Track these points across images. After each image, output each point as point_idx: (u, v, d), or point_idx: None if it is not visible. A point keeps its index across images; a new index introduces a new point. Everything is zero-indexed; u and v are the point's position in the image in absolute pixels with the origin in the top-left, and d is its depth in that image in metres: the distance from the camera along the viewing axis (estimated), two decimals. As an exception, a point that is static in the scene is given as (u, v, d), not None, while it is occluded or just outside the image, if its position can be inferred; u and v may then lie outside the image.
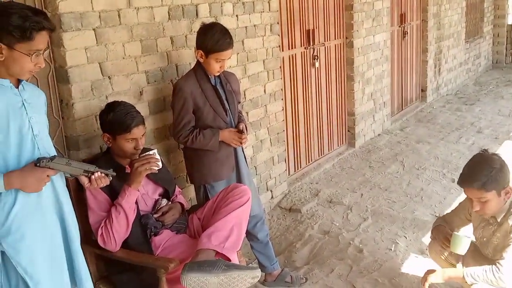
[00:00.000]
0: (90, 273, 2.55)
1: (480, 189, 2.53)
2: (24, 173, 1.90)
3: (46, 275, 2.02)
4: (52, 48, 2.64)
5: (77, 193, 2.53)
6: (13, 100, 1.95)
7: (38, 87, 2.51)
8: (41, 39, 1.89)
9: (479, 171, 2.56)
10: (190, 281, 2.21)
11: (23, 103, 1.98)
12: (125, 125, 2.46)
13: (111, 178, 2.23)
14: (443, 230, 2.89)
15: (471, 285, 2.56)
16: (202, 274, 2.21)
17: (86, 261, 2.53)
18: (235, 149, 3.06)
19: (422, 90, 7.96)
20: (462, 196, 3.05)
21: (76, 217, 2.26)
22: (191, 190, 3.24)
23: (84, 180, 2.17)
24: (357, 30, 5.64)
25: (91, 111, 2.75)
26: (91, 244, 2.54)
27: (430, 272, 2.70)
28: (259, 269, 2.36)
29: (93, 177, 2.15)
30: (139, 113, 2.56)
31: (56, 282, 2.07)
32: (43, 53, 1.94)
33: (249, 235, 3.26)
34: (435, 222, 3.09)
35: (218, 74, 2.93)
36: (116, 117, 2.48)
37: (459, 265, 2.85)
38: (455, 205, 3.95)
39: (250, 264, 3.34)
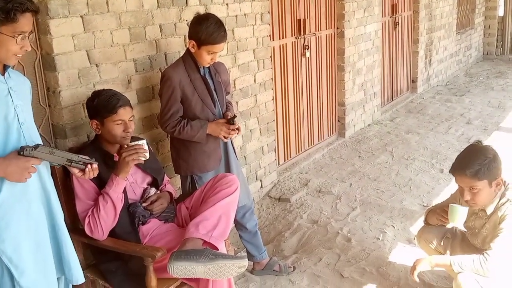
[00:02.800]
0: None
1: (472, 177, 2.55)
2: (7, 161, 1.88)
3: (31, 264, 2.01)
4: (39, 35, 2.61)
5: (64, 181, 2.51)
6: None
7: (24, 74, 2.49)
8: (26, 21, 1.87)
9: (473, 159, 2.58)
10: (176, 270, 2.22)
11: (9, 91, 1.96)
12: (111, 106, 2.45)
13: (96, 166, 2.21)
14: (438, 207, 2.91)
15: (458, 273, 2.58)
16: (189, 263, 2.21)
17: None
18: (223, 140, 3.05)
19: (412, 81, 7.98)
20: (451, 187, 3.08)
21: (63, 205, 2.24)
22: (179, 179, 3.23)
23: (74, 170, 2.15)
24: (348, 20, 5.63)
25: (78, 99, 2.73)
26: (78, 233, 2.53)
27: (418, 261, 2.72)
28: (246, 259, 2.36)
29: (87, 169, 2.13)
30: (125, 96, 2.56)
31: (41, 271, 2.06)
32: (28, 36, 1.91)
33: (238, 224, 3.26)
34: (426, 212, 3.10)
35: (208, 65, 2.91)
36: (101, 101, 2.47)
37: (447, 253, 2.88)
38: (443, 195, 4.00)
39: (238, 253, 3.35)
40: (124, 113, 2.49)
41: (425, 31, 7.92)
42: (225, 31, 2.80)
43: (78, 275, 2.24)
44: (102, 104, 2.47)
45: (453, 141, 5.73)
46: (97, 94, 2.52)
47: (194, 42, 2.80)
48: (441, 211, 2.83)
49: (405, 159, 5.27)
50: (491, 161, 2.55)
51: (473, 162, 2.55)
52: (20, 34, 1.86)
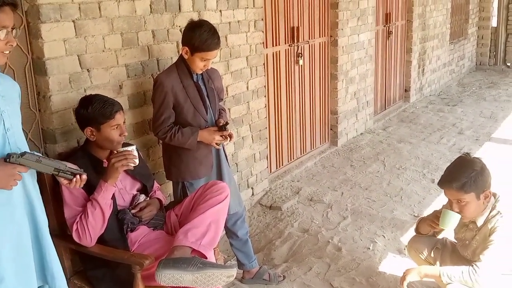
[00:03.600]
0: (65, 269, 2.53)
1: (459, 191, 2.57)
2: None
3: (11, 272, 1.96)
4: (30, 39, 2.59)
5: (53, 187, 2.48)
6: None
7: (14, 78, 2.47)
8: (5, 15, 1.84)
9: (459, 172, 2.59)
10: (164, 278, 2.20)
11: None
12: (108, 112, 2.44)
13: (85, 176, 2.18)
14: (430, 215, 2.91)
15: (447, 284, 2.57)
16: (177, 271, 2.19)
17: (61, 256, 2.51)
18: (215, 147, 3.04)
19: (405, 90, 8.00)
20: (441, 197, 3.08)
21: (47, 211, 2.21)
22: (169, 186, 3.21)
23: (61, 180, 2.12)
24: (342, 29, 5.65)
25: (69, 104, 2.71)
26: (66, 239, 2.51)
27: (408, 271, 2.71)
28: (235, 268, 2.34)
29: (74, 179, 2.11)
30: (116, 100, 2.55)
31: (22, 279, 2.01)
32: (12, 31, 1.88)
33: (229, 232, 3.25)
34: (417, 221, 3.10)
35: (201, 72, 2.90)
36: (96, 108, 2.45)
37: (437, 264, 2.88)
38: (434, 205, 4.01)
39: (228, 262, 3.33)
40: (120, 118, 2.50)
41: (418, 40, 7.96)
42: (218, 38, 2.79)
43: (61, 284, 2.20)
44: (98, 110, 2.44)
45: (445, 151, 5.75)
46: (88, 102, 2.48)
47: (187, 49, 2.79)
48: (433, 217, 2.84)
49: (396, 168, 5.27)
50: (478, 174, 2.56)
51: (460, 175, 2.57)
52: (2, 29, 1.83)
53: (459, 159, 2.73)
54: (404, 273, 2.71)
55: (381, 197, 4.58)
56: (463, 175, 2.56)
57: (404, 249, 3.49)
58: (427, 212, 3.76)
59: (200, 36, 2.74)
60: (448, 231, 2.86)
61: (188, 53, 2.80)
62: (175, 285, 2.25)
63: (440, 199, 4.08)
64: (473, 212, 2.63)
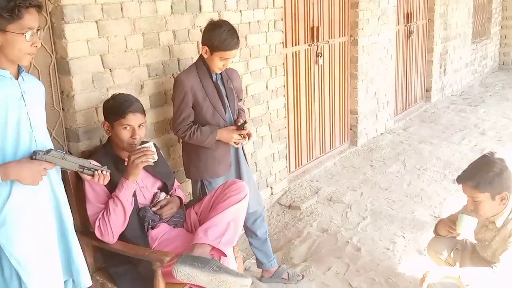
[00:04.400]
0: (87, 265, 2.58)
1: (474, 189, 2.58)
2: (21, 165, 1.91)
3: (39, 267, 2.02)
4: (54, 39, 2.64)
5: (76, 184, 2.54)
6: (12, 91, 1.95)
7: (39, 78, 2.53)
8: (31, 17, 1.89)
9: (477, 171, 2.60)
10: (180, 273, 2.24)
11: (22, 95, 1.98)
12: (121, 110, 2.47)
13: (108, 174, 2.23)
14: (444, 223, 2.90)
15: (466, 286, 2.55)
16: (193, 270, 2.23)
17: (83, 252, 2.55)
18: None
19: (426, 90, 7.93)
20: (463, 198, 3.05)
21: (71, 208, 2.26)
22: (189, 184, 3.24)
23: (86, 176, 2.17)
24: (362, 28, 5.63)
25: (92, 103, 2.76)
26: (88, 236, 2.55)
27: (428, 272, 2.70)
28: (250, 278, 2.33)
29: (96, 173, 2.15)
30: (139, 102, 2.57)
31: (49, 274, 2.07)
32: (37, 33, 1.93)
33: (248, 231, 3.27)
34: (437, 222, 3.08)
35: (220, 71, 2.93)
36: (114, 103, 2.51)
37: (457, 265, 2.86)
38: (455, 206, 3.96)
39: (244, 272, 3.31)
40: (133, 119, 2.50)
41: (440, 40, 7.87)
42: (237, 38, 2.82)
43: (86, 279, 2.26)
44: (114, 107, 2.51)
45: (467, 151, 5.68)
46: (113, 97, 2.57)
47: (207, 48, 2.82)
48: (450, 221, 2.83)
49: (417, 169, 5.23)
50: (495, 175, 2.55)
51: (477, 173, 2.58)
52: (28, 31, 1.88)
53: (482, 157, 2.72)
54: (424, 274, 2.70)
55: (401, 198, 4.54)
56: (480, 174, 2.56)
57: (424, 250, 3.46)
58: (448, 213, 3.72)
59: (219, 35, 2.77)
60: (465, 235, 2.83)
61: (208, 53, 2.83)
62: (190, 283, 2.29)
63: (461, 200, 4.03)
64: (488, 211, 2.62)
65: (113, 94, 2.61)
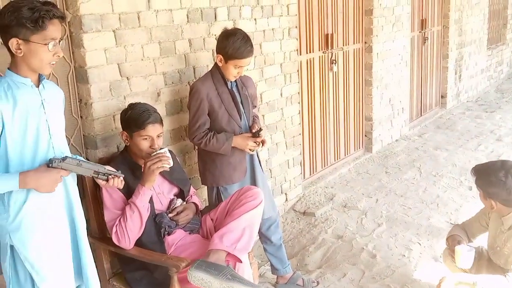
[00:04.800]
0: (104, 271, 2.62)
1: (475, 182, 2.75)
2: (39, 174, 1.94)
3: (52, 271, 2.06)
4: (72, 48, 2.69)
5: (93, 191, 2.58)
6: (33, 99, 1.99)
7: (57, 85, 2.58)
8: (54, 28, 1.93)
9: (484, 168, 2.72)
10: (194, 278, 2.27)
11: (42, 103, 2.02)
12: (140, 122, 2.50)
13: (122, 178, 2.26)
14: (454, 239, 2.89)
15: (481, 293, 2.55)
16: (207, 276, 2.25)
17: (100, 258, 2.60)
18: (249, 152, 3.08)
19: (442, 96, 7.89)
20: (479, 205, 3.04)
21: (88, 215, 2.29)
22: (205, 191, 3.27)
23: (100, 181, 2.21)
24: (377, 35, 5.63)
25: (109, 111, 2.80)
26: (105, 242, 2.59)
27: (443, 279, 2.70)
28: None
29: (111, 178, 2.19)
30: (157, 112, 2.60)
31: (62, 279, 2.11)
32: (59, 43, 1.97)
33: (263, 237, 3.28)
34: (451, 229, 3.07)
35: (235, 79, 2.97)
36: (133, 114, 2.53)
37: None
38: (471, 213, 3.93)
39: (258, 282, 3.31)
40: (152, 130, 2.53)
41: (455, 46, 7.84)
42: (251, 46, 2.85)
43: (95, 285, 2.28)
44: (133, 117, 2.53)
45: (483, 158, 5.63)
46: (131, 107, 2.59)
47: (221, 57, 2.85)
48: (452, 251, 2.84)
49: (433, 175, 5.21)
50: (493, 181, 2.63)
51: (482, 171, 2.71)
52: (51, 41, 1.93)
53: (501, 161, 2.79)
54: (440, 280, 2.69)
55: (417, 204, 4.52)
56: (484, 172, 2.69)
57: (440, 256, 3.45)
58: (464, 219, 3.69)
59: (233, 44, 2.80)
60: (464, 268, 2.83)
61: (222, 61, 2.86)
62: None
63: (477, 207, 4.00)
64: (485, 205, 2.78)
65: (130, 104, 2.63)
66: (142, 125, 2.50)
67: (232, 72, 2.88)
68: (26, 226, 1.99)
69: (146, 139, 2.53)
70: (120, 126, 2.66)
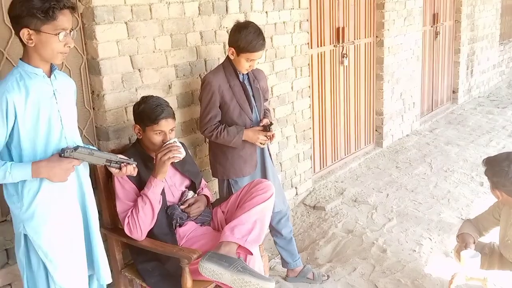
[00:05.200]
0: (116, 261, 2.63)
1: (484, 172, 2.79)
2: (51, 164, 1.96)
3: (65, 260, 2.08)
4: (85, 40, 2.70)
5: (106, 182, 2.59)
6: (44, 89, 2.00)
7: (70, 77, 2.59)
8: (65, 18, 1.93)
9: (492, 159, 2.76)
10: (205, 270, 2.28)
11: (54, 93, 2.03)
12: (154, 116, 2.49)
13: (135, 166, 2.26)
14: (463, 240, 2.87)
15: (493, 288, 2.54)
16: (218, 268, 2.26)
17: (112, 249, 2.62)
18: (260, 146, 3.08)
19: (453, 91, 7.84)
20: (490, 200, 3.02)
21: (100, 206, 2.30)
22: (215, 183, 3.28)
23: (113, 170, 2.21)
24: (388, 29, 5.59)
25: (121, 102, 2.81)
26: (117, 233, 2.61)
27: (455, 275, 2.69)
28: (273, 282, 2.34)
29: (123, 166, 2.19)
30: (170, 107, 2.59)
31: (75, 267, 2.13)
32: (70, 33, 1.98)
33: (273, 230, 3.28)
34: (462, 225, 3.05)
35: (247, 72, 2.96)
36: (146, 108, 2.52)
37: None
38: (482, 208, 3.91)
39: (268, 275, 3.30)
40: (165, 125, 2.52)
41: (467, 41, 7.77)
42: (263, 39, 2.84)
43: (106, 275, 2.29)
44: (146, 112, 2.51)
45: (494, 154, 5.56)
46: (144, 101, 2.57)
47: (233, 50, 2.85)
48: (459, 253, 2.82)
49: (444, 171, 5.17)
50: (499, 172, 2.66)
51: (492, 161, 2.74)
52: (62, 31, 1.93)
53: (507, 152, 2.82)
54: (452, 276, 2.68)
55: (427, 200, 4.50)
56: (493, 163, 2.72)
57: (451, 252, 3.43)
58: (474, 215, 3.67)
59: (245, 37, 2.79)
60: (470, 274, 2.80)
61: (234, 54, 2.86)
62: (215, 280, 2.32)
63: (489, 202, 3.98)
64: (496, 196, 2.79)
65: (143, 97, 2.61)
66: (156, 120, 2.49)
67: (244, 65, 2.88)
68: (40, 215, 2.00)
69: (159, 133, 2.53)
70: (132, 118, 2.65)
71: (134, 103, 2.65)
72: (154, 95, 2.64)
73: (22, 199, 2.00)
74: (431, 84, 7.15)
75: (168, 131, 2.55)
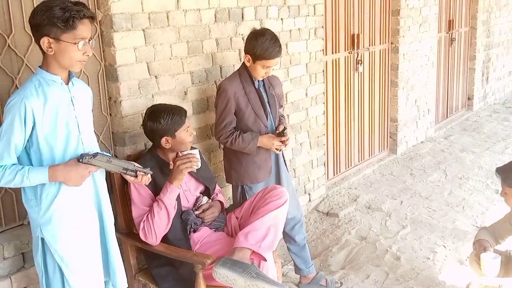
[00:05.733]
0: (130, 266, 2.66)
1: (502, 181, 2.73)
2: (68, 168, 2.00)
3: (81, 265, 2.11)
4: (103, 47, 2.74)
5: (121, 187, 2.62)
6: (62, 96, 2.04)
7: (88, 84, 2.63)
8: (84, 27, 1.97)
9: (506, 167, 2.75)
10: (219, 276, 2.29)
11: (72, 100, 2.07)
12: (181, 119, 2.57)
13: (149, 175, 2.29)
14: (481, 245, 2.85)
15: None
16: (232, 273, 2.28)
17: (127, 253, 2.64)
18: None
19: (468, 98, 7.79)
20: (506, 207, 3.00)
21: (115, 211, 2.33)
22: (229, 189, 3.30)
23: (129, 177, 2.24)
24: (403, 36, 5.59)
25: (138, 109, 2.84)
26: (132, 237, 2.63)
27: (470, 283, 2.68)
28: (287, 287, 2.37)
29: (139, 174, 2.22)
30: (179, 105, 2.67)
31: (90, 272, 2.15)
32: (89, 42, 2.01)
33: (287, 237, 3.29)
34: (478, 233, 3.03)
35: (262, 78, 2.98)
36: (168, 119, 2.54)
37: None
38: (497, 216, 3.88)
39: (282, 282, 3.31)
40: (187, 121, 2.63)
41: (482, 47, 7.73)
42: (280, 46, 2.87)
43: (122, 281, 2.32)
44: (171, 120, 2.54)
45: (509, 161, 5.53)
46: (158, 115, 2.55)
47: (249, 57, 2.87)
48: (478, 257, 2.80)
49: (458, 178, 5.14)
50: None
51: (503, 168, 2.73)
52: (81, 41, 1.97)
53: None
54: (466, 285, 2.67)
55: (442, 207, 4.48)
56: (505, 170, 2.70)
57: (466, 260, 3.41)
58: (489, 223, 3.65)
59: (262, 44, 2.82)
60: (490, 276, 2.78)
61: (250, 61, 2.88)
62: (228, 285, 2.33)
63: (504, 210, 3.95)
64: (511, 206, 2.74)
65: (152, 113, 2.59)
66: (181, 121, 2.58)
67: (260, 72, 2.90)
68: (57, 220, 2.04)
69: (187, 130, 2.60)
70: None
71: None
72: (157, 105, 2.68)
73: (41, 204, 2.03)
74: (446, 91, 7.11)
75: (190, 124, 2.65)
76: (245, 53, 2.91)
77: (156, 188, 2.50)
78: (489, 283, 2.65)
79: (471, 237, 3.79)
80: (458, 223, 4.15)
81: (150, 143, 2.78)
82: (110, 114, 2.84)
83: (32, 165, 2.02)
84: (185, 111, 2.63)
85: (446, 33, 6.84)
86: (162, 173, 2.55)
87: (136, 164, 2.25)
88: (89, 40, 2.03)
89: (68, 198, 2.06)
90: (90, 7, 2.56)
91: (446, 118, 7.22)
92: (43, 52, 2.00)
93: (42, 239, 2.07)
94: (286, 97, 3.96)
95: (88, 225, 2.15)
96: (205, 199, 2.76)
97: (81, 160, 2.01)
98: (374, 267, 3.54)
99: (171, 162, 2.60)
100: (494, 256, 2.68)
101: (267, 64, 2.86)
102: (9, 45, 2.41)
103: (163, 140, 2.58)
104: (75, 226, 2.09)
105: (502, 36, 8.38)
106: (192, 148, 2.62)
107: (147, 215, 2.48)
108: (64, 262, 2.07)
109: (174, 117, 2.56)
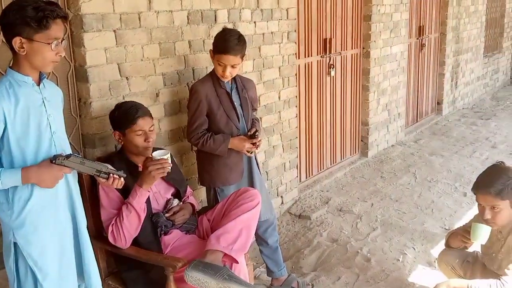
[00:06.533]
0: (100, 270, 2.61)
1: (496, 196, 2.53)
2: (41, 169, 1.96)
3: (55, 268, 2.07)
4: (73, 47, 2.71)
5: (90, 189, 2.58)
6: (34, 97, 2.00)
7: (57, 85, 2.58)
8: (58, 27, 1.94)
9: (496, 178, 2.55)
10: (191, 279, 2.27)
11: (43, 101, 2.03)
12: (130, 117, 2.52)
13: (123, 179, 2.26)
14: (460, 229, 2.89)
15: (476, 298, 2.56)
16: (204, 276, 2.26)
17: (96, 257, 2.60)
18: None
19: (438, 103, 7.93)
20: (473, 210, 3.07)
21: (86, 213, 2.30)
22: (202, 191, 3.28)
23: (101, 180, 2.21)
24: (375, 41, 5.66)
25: (108, 110, 2.79)
26: (102, 241, 2.59)
27: (438, 285, 2.71)
28: None
29: (111, 176, 2.19)
30: (144, 106, 2.63)
31: (64, 276, 2.12)
32: (61, 42, 1.98)
33: (259, 239, 3.29)
34: (447, 235, 3.08)
35: (225, 79, 2.93)
36: (121, 112, 2.56)
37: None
38: (465, 218, 3.97)
39: (255, 283, 3.32)
40: (143, 123, 2.55)
41: (451, 53, 7.89)
42: (239, 45, 2.82)
43: (97, 284, 2.29)
44: (122, 115, 2.55)
45: (478, 164, 5.67)
46: (118, 106, 2.62)
47: (212, 52, 2.87)
48: (463, 231, 2.82)
49: (428, 181, 5.24)
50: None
51: (497, 181, 2.53)
52: (54, 41, 1.94)
53: (494, 166, 2.70)
54: (435, 286, 2.71)
55: (411, 209, 4.55)
56: (500, 181, 2.52)
57: (434, 261, 3.47)
58: (458, 225, 3.73)
59: (221, 37, 2.83)
60: (479, 244, 2.84)
61: (213, 57, 2.88)
62: None
63: (472, 213, 4.03)
64: (504, 219, 2.59)
65: (116, 104, 2.65)
66: (133, 120, 2.52)
67: (217, 68, 2.87)
68: (30, 223, 2.00)
69: (139, 134, 2.54)
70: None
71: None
72: (127, 100, 2.67)
73: (13, 207, 1.99)
74: (416, 96, 7.24)
75: (148, 130, 2.57)
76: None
77: (124, 191, 2.46)
78: (457, 284, 2.69)
79: (440, 239, 3.88)
80: (427, 225, 4.22)
81: (120, 146, 2.75)
82: (79, 116, 2.80)
83: (2, 167, 1.97)
84: (145, 114, 2.57)
85: (417, 38, 6.96)
86: (131, 175, 2.51)
87: (110, 166, 2.22)
88: (62, 40, 2.00)
89: (41, 201, 2.02)
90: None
91: (416, 122, 7.35)
92: (14, 53, 1.96)
93: (15, 243, 2.02)
94: (259, 100, 3.96)
95: (62, 228, 2.12)
96: (175, 201, 2.74)
97: (54, 161, 1.97)
98: (345, 269, 3.57)
99: (140, 165, 2.58)
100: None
101: (221, 59, 2.82)
102: (-26, 45, 2.36)
103: (115, 134, 2.58)
104: (49, 229, 2.05)
105: (471, 42, 8.57)
106: (159, 149, 2.58)
107: (116, 219, 2.45)
108: (38, 267, 2.03)
109: (127, 114, 2.53)
